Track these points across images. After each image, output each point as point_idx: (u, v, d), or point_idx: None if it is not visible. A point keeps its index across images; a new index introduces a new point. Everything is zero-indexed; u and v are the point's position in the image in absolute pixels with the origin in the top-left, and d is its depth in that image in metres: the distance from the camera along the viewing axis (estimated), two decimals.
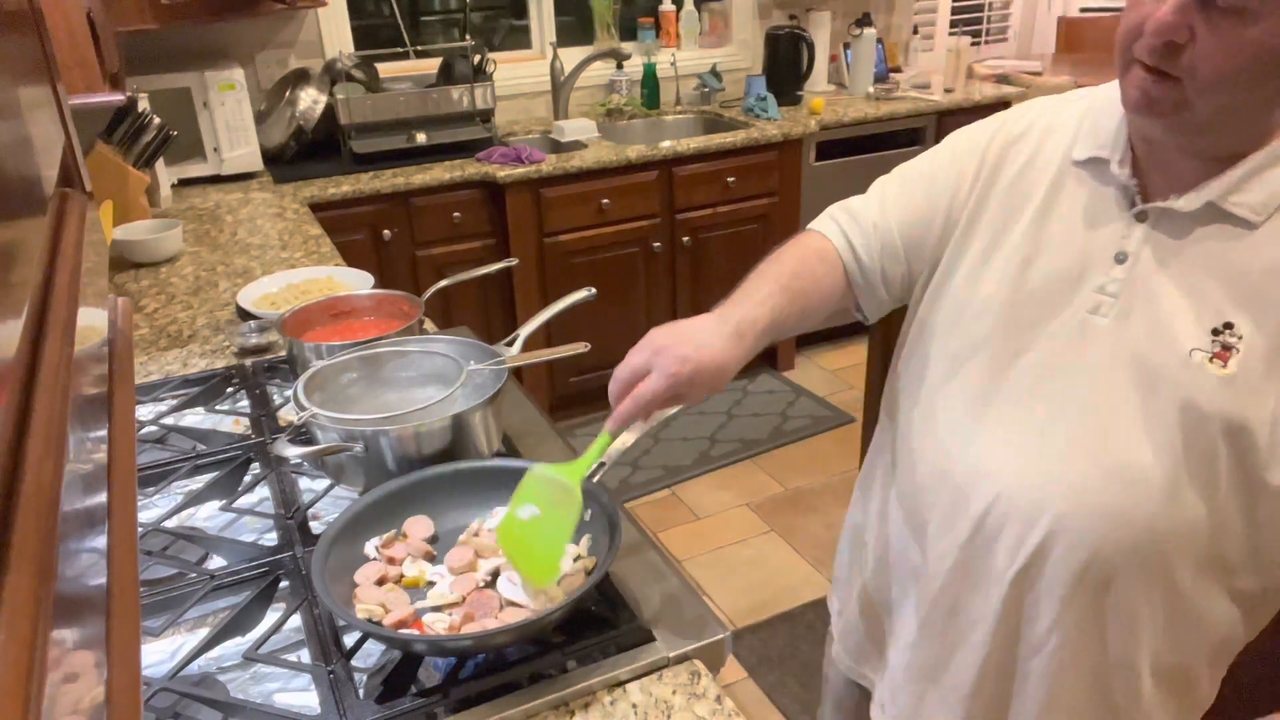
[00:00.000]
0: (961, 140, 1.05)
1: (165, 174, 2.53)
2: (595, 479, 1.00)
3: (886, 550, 1.11)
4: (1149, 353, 0.87)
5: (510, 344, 1.27)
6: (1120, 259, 0.90)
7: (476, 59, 2.94)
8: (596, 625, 0.91)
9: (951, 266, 1.01)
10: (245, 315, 1.70)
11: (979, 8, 4.27)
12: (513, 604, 0.91)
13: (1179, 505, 0.87)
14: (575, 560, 0.96)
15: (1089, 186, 0.93)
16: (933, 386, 1.02)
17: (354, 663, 0.88)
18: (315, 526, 1.09)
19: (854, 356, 3.59)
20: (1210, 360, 0.84)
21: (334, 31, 3.05)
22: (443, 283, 1.55)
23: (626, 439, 0.98)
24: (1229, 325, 0.84)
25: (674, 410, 0.97)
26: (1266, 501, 0.86)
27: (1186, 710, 1.00)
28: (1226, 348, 0.84)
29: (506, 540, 0.92)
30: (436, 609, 0.91)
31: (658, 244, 3.07)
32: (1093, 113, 0.95)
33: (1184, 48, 0.78)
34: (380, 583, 0.94)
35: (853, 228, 1.07)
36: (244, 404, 1.41)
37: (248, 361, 1.53)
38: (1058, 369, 0.92)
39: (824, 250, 1.06)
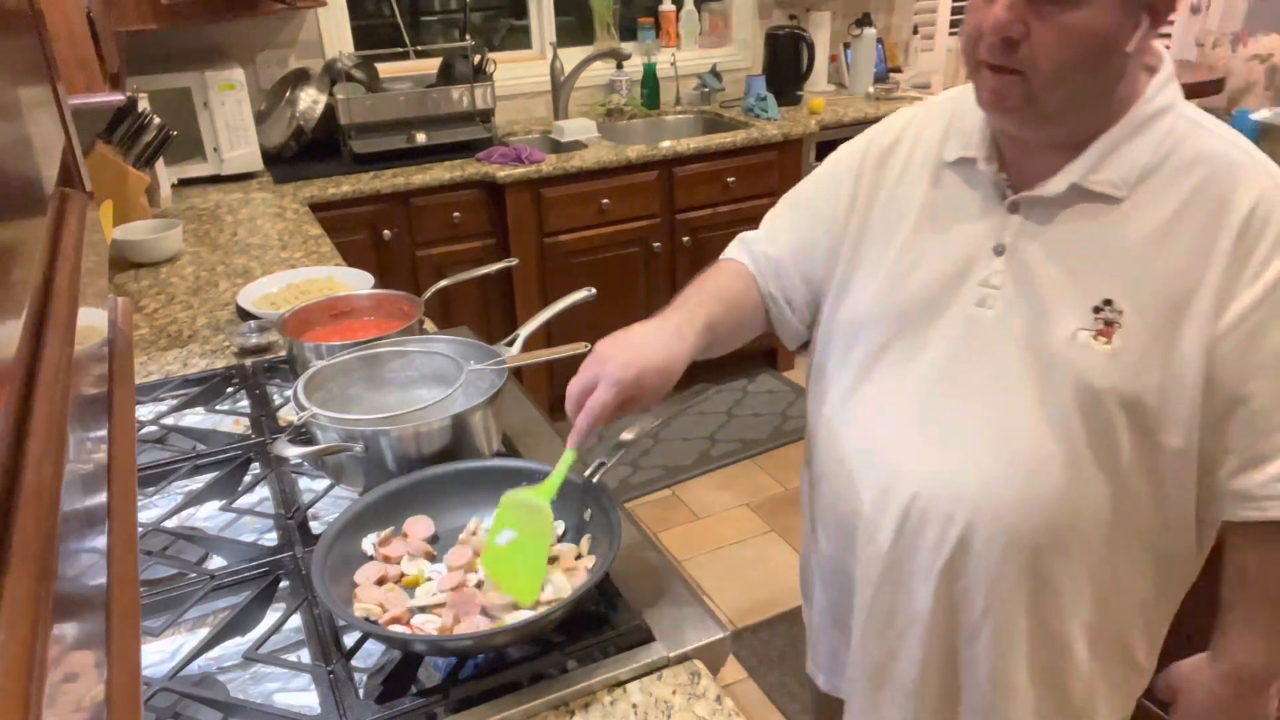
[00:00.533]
0: (841, 160, 1.09)
1: (165, 174, 2.53)
2: (595, 479, 1.00)
3: (828, 567, 1.15)
4: (1036, 338, 0.91)
5: (510, 344, 1.27)
6: (999, 251, 0.94)
7: (476, 59, 2.94)
8: (596, 625, 0.91)
9: (845, 285, 1.05)
10: (245, 315, 1.69)
11: None
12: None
13: (1084, 481, 0.90)
14: (576, 559, 0.96)
15: (963, 185, 0.97)
16: (842, 399, 1.05)
17: (354, 663, 0.88)
18: (315, 526, 1.08)
19: None
20: (1095, 338, 0.88)
21: (334, 31, 3.05)
22: (443, 283, 1.55)
23: (637, 430, 1.02)
24: (1108, 301, 0.88)
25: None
26: (1166, 463, 0.90)
27: (1129, 679, 1.04)
28: (1109, 323, 0.87)
29: (491, 565, 0.94)
30: (423, 609, 0.91)
31: (658, 244, 3.07)
32: (958, 114, 0.99)
33: (1021, 42, 0.82)
34: (380, 582, 0.94)
35: (751, 257, 1.13)
36: (244, 404, 1.41)
37: (248, 361, 1.53)
38: (954, 364, 0.95)
39: (740, 270, 1.13)
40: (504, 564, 0.93)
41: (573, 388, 0.94)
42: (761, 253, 1.12)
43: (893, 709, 1.07)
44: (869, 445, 1.01)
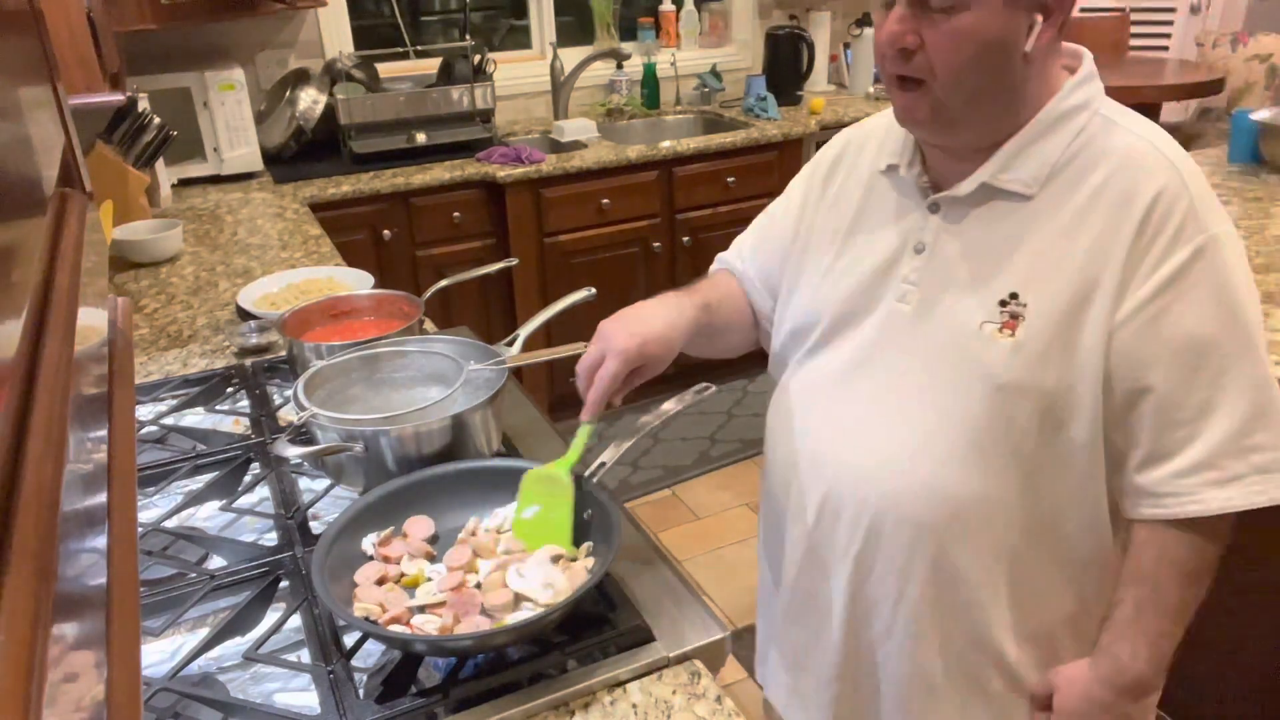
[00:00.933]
0: (796, 180, 1.16)
1: (165, 174, 2.53)
2: (595, 479, 1.01)
3: (770, 561, 1.16)
4: (946, 332, 0.93)
5: (510, 344, 1.27)
6: (919, 249, 0.97)
7: (476, 59, 2.94)
8: (596, 625, 0.91)
9: (791, 292, 1.10)
10: (245, 315, 1.70)
11: None
12: (522, 597, 0.91)
13: (990, 472, 0.92)
14: (575, 559, 0.96)
15: (891, 191, 1.02)
16: (783, 392, 1.10)
17: (354, 663, 0.88)
18: (315, 526, 1.09)
19: None
20: (1000, 330, 0.90)
21: (334, 31, 3.05)
22: (443, 283, 1.55)
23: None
24: (1014, 295, 0.90)
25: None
26: (1075, 458, 0.91)
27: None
28: (1014, 317, 0.90)
29: (521, 536, 1.00)
30: (423, 609, 0.91)
31: (658, 244, 3.07)
32: (889, 127, 1.03)
33: (917, 52, 0.86)
34: (380, 582, 0.94)
35: (729, 269, 1.20)
36: (244, 404, 1.41)
37: (248, 361, 1.53)
38: (873, 357, 0.99)
39: (727, 275, 1.20)
40: (532, 533, 0.99)
41: (582, 365, 0.99)
42: (739, 270, 1.19)
43: (813, 696, 1.10)
44: (800, 437, 1.05)
